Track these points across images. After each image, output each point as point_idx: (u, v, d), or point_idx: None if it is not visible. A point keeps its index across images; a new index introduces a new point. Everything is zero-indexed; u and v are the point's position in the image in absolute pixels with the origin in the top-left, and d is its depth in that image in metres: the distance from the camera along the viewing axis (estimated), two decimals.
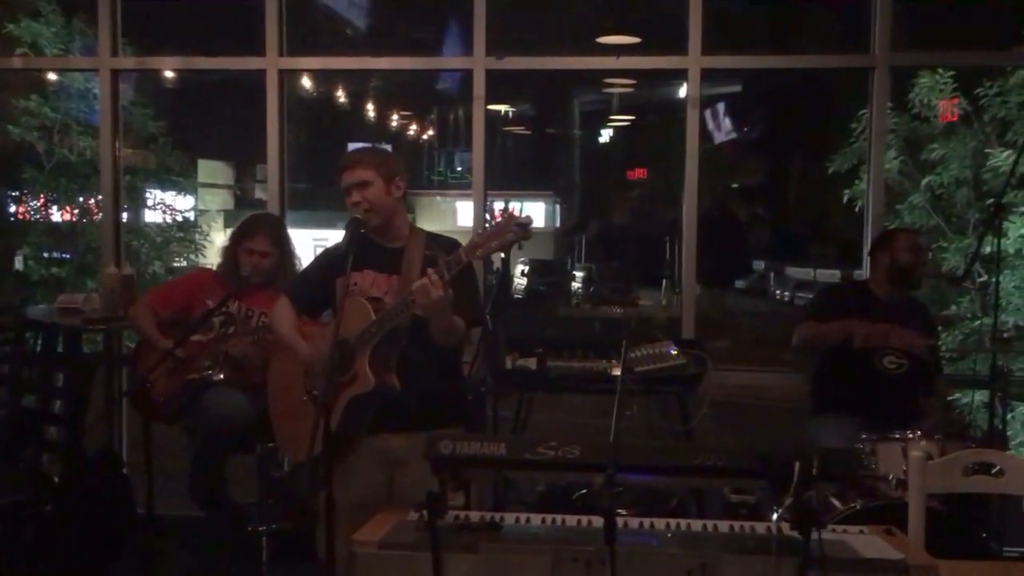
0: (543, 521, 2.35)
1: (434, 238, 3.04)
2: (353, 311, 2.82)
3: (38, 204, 8.04)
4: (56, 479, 3.43)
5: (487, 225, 2.70)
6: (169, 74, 7.62)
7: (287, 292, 3.18)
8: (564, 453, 2.14)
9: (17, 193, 8.01)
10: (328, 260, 3.09)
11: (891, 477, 3.12)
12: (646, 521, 2.31)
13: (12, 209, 8.11)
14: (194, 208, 9.53)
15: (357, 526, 2.31)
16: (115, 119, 4.95)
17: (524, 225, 2.57)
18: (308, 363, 2.97)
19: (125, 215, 8.67)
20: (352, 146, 3.58)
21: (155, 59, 5.50)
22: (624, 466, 2.03)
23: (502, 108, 14.35)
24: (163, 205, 9.10)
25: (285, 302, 3.12)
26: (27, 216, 8.17)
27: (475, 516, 2.34)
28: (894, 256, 3.90)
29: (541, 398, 4.18)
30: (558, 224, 17.25)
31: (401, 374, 2.85)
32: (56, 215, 8.08)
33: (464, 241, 2.79)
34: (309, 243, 3.18)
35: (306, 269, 3.31)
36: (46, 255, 7.91)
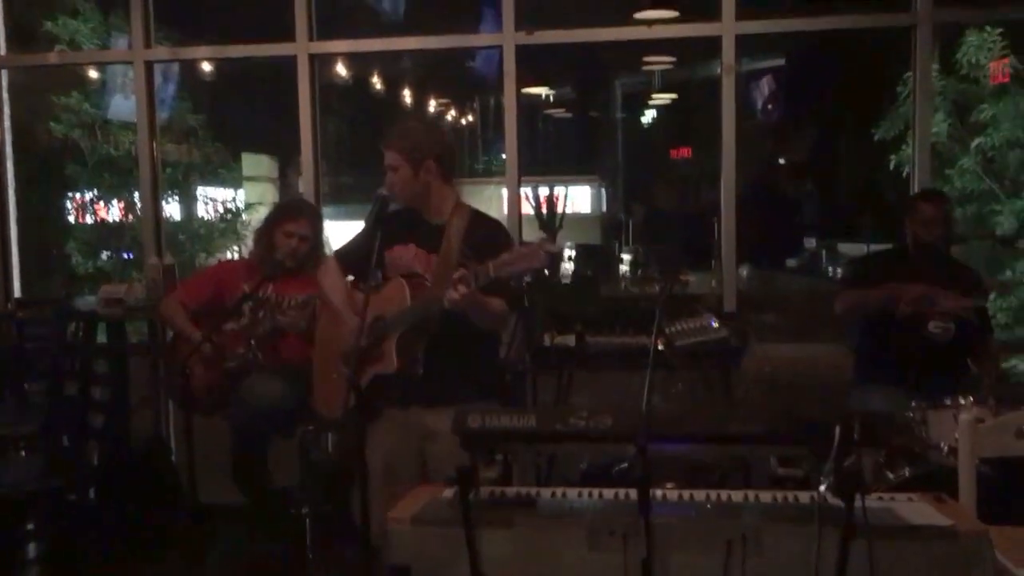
0: (579, 495, 2.30)
1: (478, 219, 3.03)
2: (392, 290, 2.88)
3: (83, 200, 8.14)
4: (95, 463, 3.46)
5: (521, 245, 2.77)
6: (207, 67, 7.66)
7: (338, 255, 3.18)
8: (595, 423, 2.08)
9: (62, 190, 8.12)
10: (384, 229, 3.05)
11: (943, 445, 3.01)
12: (685, 493, 2.24)
13: (58, 204, 8.23)
14: (234, 200, 9.55)
15: (391, 491, 2.38)
16: (151, 112, 4.99)
17: (553, 255, 2.71)
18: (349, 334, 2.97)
19: (177, 211, 8.80)
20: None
21: (188, 49, 5.58)
22: (658, 435, 1.97)
23: (542, 92, 14.18)
24: (206, 198, 9.18)
25: (335, 265, 3.14)
26: (74, 212, 8.27)
27: (511, 492, 2.30)
28: (913, 229, 3.78)
29: (583, 379, 4.11)
30: (604, 209, 17.03)
31: (435, 350, 2.88)
32: (102, 211, 8.18)
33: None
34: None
35: (360, 235, 3.23)
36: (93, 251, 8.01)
